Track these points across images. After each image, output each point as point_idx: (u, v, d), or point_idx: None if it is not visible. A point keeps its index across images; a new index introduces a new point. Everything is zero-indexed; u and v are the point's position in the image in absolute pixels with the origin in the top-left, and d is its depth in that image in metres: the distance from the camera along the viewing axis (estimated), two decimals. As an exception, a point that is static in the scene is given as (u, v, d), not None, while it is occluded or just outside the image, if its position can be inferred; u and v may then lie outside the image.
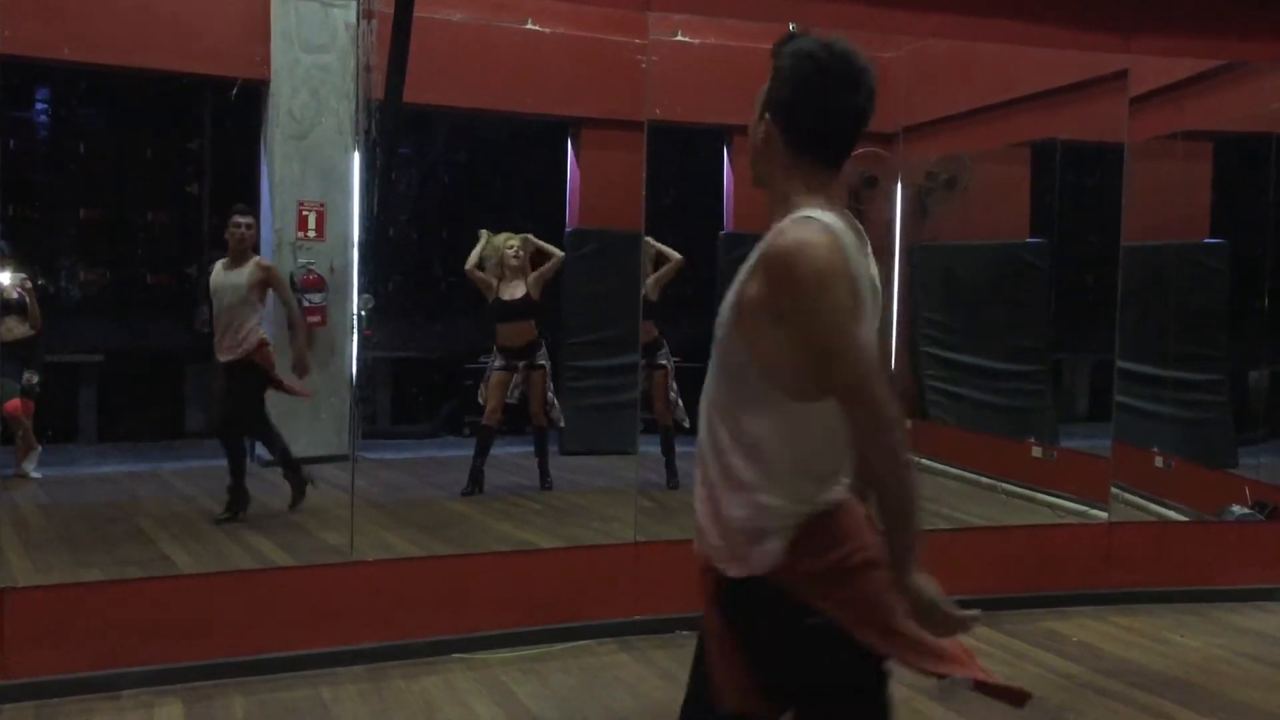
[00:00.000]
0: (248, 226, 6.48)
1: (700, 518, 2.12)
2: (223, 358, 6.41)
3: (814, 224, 1.99)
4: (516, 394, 7.59)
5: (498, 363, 7.56)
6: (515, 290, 7.53)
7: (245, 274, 6.41)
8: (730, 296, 2.07)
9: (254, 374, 6.45)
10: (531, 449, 7.91)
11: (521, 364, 7.55)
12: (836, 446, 2.06)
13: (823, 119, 2.05)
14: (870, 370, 1.91)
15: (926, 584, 1.95)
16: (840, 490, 2.08)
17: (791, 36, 2.07)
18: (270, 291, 6.53)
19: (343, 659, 4.93)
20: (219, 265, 6.50)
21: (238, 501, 6.53)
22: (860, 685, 2.06)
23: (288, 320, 6.51)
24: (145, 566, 5.60)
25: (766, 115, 2.07)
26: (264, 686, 4.69)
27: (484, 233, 7.66)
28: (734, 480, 2.05)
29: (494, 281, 7.53)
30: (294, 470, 6.64)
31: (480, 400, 7.60)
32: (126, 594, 4.90)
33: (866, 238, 2.11)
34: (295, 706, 4.52)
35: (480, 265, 7.61)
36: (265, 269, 6.57)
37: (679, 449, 7.67)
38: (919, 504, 1.94)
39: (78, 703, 4.46)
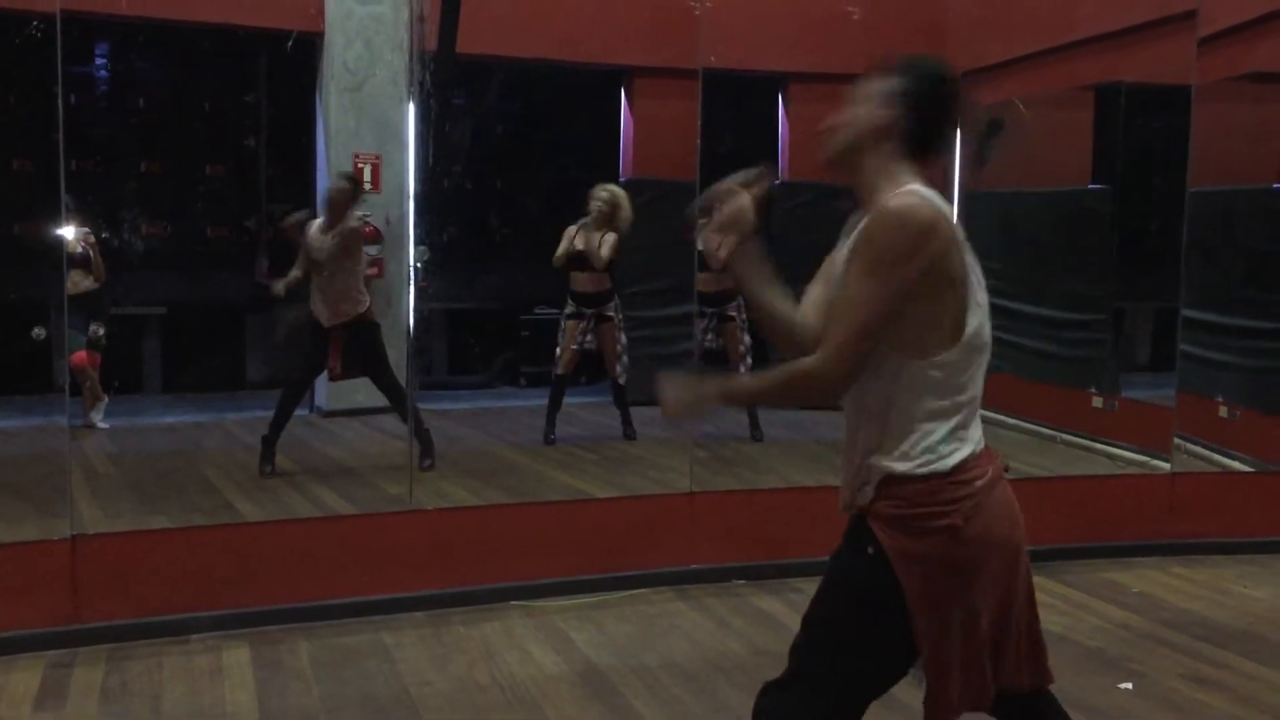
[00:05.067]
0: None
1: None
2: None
3: (916, 195, 2.18)
4: (590, 340, 7.66)
5: (569, 309, 7.65)
6: (592, 242, 7.58)
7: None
8: (842, 265, 2.25)
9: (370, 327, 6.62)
10: (606, 400, 8.01)
11: (590, 311, 7.63)
12: (958, 406, 2.24)
13: (946, 130, 2.33)
14: (853, 344, 2.14)
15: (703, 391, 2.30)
16: (961, 452, 2.23)
17: (915, 59, 2.30)
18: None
19: (404, 605, 5.02)
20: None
21: (273, 452, 6.62)
22: (870, 619, 2.24)
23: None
24: (211, 515, 5.71)
25: (899, 106, 2.25)
26: (328, 631, 4.79)
27: (570, 230, 7.64)
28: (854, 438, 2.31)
29: (572, 229, 7.57)
30: (420, 425, 6.68)
31: (559, 352, 7.67)
32: (194, 541, 5.01)
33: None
34: (358, 650, 4.61)
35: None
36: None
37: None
38: (772, 396, 2.37)
39: (148, 646, 4.58)
